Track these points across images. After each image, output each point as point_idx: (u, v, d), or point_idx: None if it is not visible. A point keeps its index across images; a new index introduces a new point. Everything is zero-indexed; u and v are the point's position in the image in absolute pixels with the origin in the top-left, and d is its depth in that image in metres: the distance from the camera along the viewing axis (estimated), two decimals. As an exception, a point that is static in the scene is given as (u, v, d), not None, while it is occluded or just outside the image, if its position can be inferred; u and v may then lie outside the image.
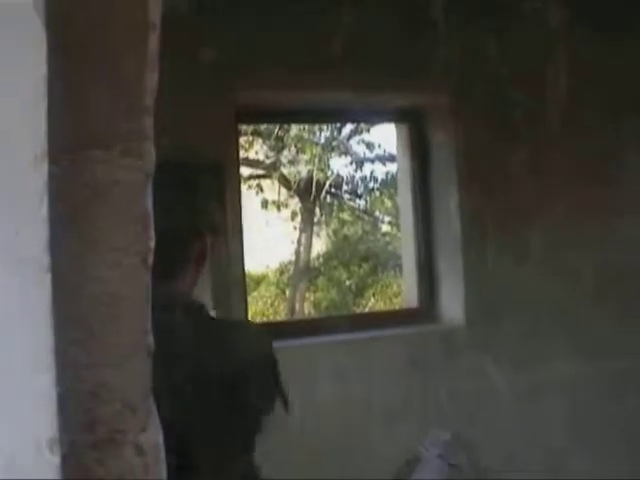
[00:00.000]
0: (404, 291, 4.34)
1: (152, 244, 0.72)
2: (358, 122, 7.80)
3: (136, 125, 0.70)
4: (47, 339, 0.65)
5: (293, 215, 9.96)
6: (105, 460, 0.72)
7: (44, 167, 0.63)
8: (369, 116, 4.49)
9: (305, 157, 9.21)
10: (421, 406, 3.70)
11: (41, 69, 0.61)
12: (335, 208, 10.35)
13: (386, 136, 9.45)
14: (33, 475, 0.65)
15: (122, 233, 0.70)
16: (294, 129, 9.00)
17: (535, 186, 3.86)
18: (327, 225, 10.50)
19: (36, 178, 0.63)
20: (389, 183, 9.80)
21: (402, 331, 3.86)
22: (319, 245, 10.66)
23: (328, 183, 9.38)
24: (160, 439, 0.73)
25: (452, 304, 3.87)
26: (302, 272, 9.94)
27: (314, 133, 9.23)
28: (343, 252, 10.25)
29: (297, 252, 10.02)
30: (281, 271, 10.57)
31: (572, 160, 3.91)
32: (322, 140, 9.33)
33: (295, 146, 9.23)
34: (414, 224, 4.01)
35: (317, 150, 9.11)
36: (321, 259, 10.44)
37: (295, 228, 10.09)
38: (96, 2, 0.67)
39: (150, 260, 0.73)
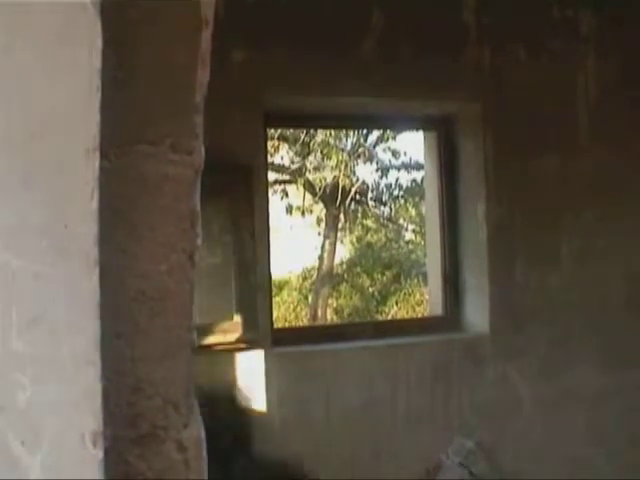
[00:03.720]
0: (429, 299, 4.33)
1: (199, 241, 0.72)
2: (387, 129, 7.78)
3: (186, 121, 0.70)
4: (94, 332, 0.65)
5: (318, 221, 9.96)
6: (146, 455, 0.72)
7: (95, 161, 0.63)
8: (398, 123, 4.48)
9: (331, 163, 9.21)
10: (444, 414, 3.67)
11: (95, 63, 0.62)
12: (359, 215, 10.34)
13: (412, 144, 9.44)
14: (75, 468, 0.66)
15: (170, 229, 0.70)
16: (320, 135, 9.00)
17: (563, 195, 3.83)
18: (351, 232, 10.48)
19: (87, 172, 0.63)
20: (414, 191, 9.77)
21: (427, 339, 3.83)
22: (342, 252, 10.65)
23: (354, 190, 9.37)
24: (202, 435, 0.73)
25: (477, 312, 3.85)
26: (325, 278, 9.93)
27: (340, 139, 9.23)
28: (366, 259, 10.23)
29: (320, 258, 10.01)
30: (304, 277, 10.56)
31: (600, 169, 3.88)
32: (348, 146, 9.33)
33: (321, 152, 9.23)
34: (440, 232, 3.99)
35: (343, 156, 9.11)
36: (344, 266, 10.43)
37: (319, 234, 10.09)
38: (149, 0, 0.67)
39: (197, 257, 0.72)
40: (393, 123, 4.54)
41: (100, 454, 0.65)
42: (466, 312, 3.93)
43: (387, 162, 9.79)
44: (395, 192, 9.99)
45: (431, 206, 4.11)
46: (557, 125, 3.82)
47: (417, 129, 4.43)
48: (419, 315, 8.69)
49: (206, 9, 0.68)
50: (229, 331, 3.26)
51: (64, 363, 0.65)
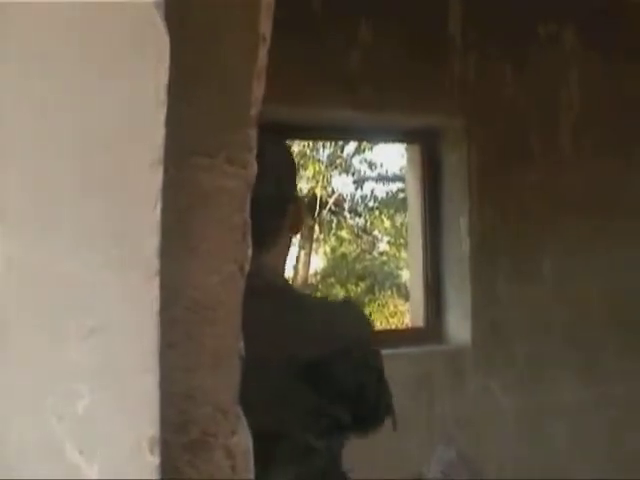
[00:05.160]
0: (410, 310, 4.35)
1: (250, 252, 0.74)
2: (369, 141, 7.81)
3: (241, 135, 0.71)
4: (153, 341, 0.66)
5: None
6: (196, 462, 0.73)
7: (159, 174, 0.64)
8: (380, 135, 4.51)
9: (307, 174, 9.24)
10: (426, 425, 3.70)
11: (162, 78, 0.63)
12: (334, 226, 10.38)
13: (388, 155, 9.49)
14: (133, 475, 0.66)
15: (223, 240, 0.72)
16: (297, 146, 9.03)
17: (547, 210, 3.89)
18: (325, 243, 10.52)
19: (151, 184, 0.64)
20: (389, 202, 9.83)
21: (407, 350, 3.86)
22: (316, 262, 10.67)
23: (332, 201, 9.41)
24: (250, 443, 0.75)
25: (459, 325, 3.88)
26: (300, 289, 9.94)
27: (317, 150, 9.27)
28: (340, 270, 10.27)
29: (295, 269, 10.03)
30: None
31: (584, 184, 3.94)
32: (324, 158, 9.37)
33: (298, 163, 9.26)
34: (422, 244, 4.03)
35: (320, 167, 9.15)
36: (318, 276, 10.45)
37: (293, 245, 10.09)
38: (210, 13, 0.69)
39: (247, 268, 0.74)
40: (375, 135, 4.57)
41: (157, 461, 0.66)
42: (448, 324, 3.96)
43: (363, 173, 9.85)
44: (370, 203, 10.05)
45: (413, 218, 4.15)
46: (541, 139, 3.88)
47: (400, 141, 4.47)
48: (394, 326, 8.72)
49: (264, 24, 0.69)
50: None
51: (122, 372, 0.66)
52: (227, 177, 0.71)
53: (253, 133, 0.72)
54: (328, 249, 10.53)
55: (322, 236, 10.43)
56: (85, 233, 0.65)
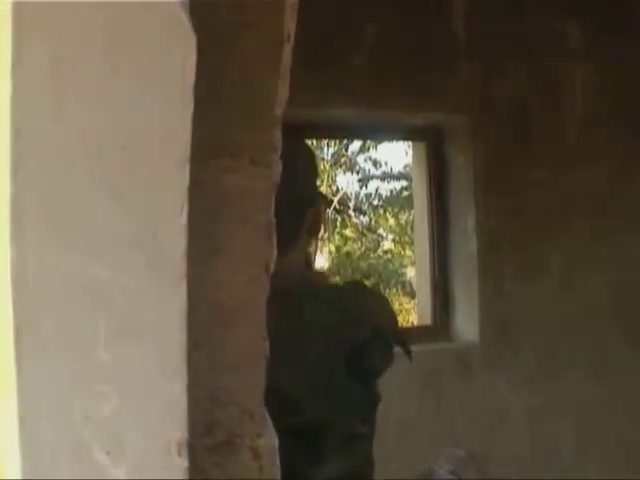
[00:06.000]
0: (417, 308, 4.35)
1: (275, 252, 0.74)
2: (375, 140, 7.80)
3: (266, 135, 0.71)
4: (180, 343, 0.66)
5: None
6: (222, 463, 0.73)
7: (186, 175, 0.64)
8: (386, 133, 4.50)
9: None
10: (434, 423, 3.70)
11: (189, 78, 0.63)
12: (339, 224, 10.36)
13: (393, 154, 9.49)
14: (161, 477, 0.66)
15: (248, 241, 0.72)
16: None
17: (552, 206, 3.88)
18: (330, 241, 10.50)
19: (178, 186, 0.64)
20: (393, 201, 9.82)
21: (415, 348, 3.84)
22: (321, 261, 10.65)
23: (336, 200, 9.40)
24: (276, 444, 0.74)
25: (466, 322, 3.88)
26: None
27: (321, 149, 9.26)
28: (345, 268, 10.25)
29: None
30: (283, 286, 10.52)
31: (589, 183, 3.94)
32: (329, 156, 9.36)
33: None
34: (429, 242, 4.03)
35: (325, 166, 9.13)
36: (323, 275, 10.43)
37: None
38: (234, 13, 0.68)
39: (272, 268, 0.74)
40: (381, 134, 4.57)
41: (185, 463, 0.66)
42: (455, 322, 3.96)
43: (367, 172, 9.84)
44: (375, 202, 10.03)
45: (419, 216, 4.14)
46: (547, 138, 3.88)
47: (405, 139, 4.47)
48: (403, 324, 8.72)
49: (289, 24, 0.69)
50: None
51: (150, 374, 0.66)
52: (251, 177, 0.71)
53: (278, 133, 0.72)
54: (333, 248, 10.51)
55: (327, 235, 10.42)
56: (112, 235, 0.65)
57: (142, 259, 0.65)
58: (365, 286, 1.82)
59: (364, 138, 7.28)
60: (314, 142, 8.68)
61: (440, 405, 3.73)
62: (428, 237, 4.04)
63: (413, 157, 4.27)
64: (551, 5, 3.83)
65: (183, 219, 0.64)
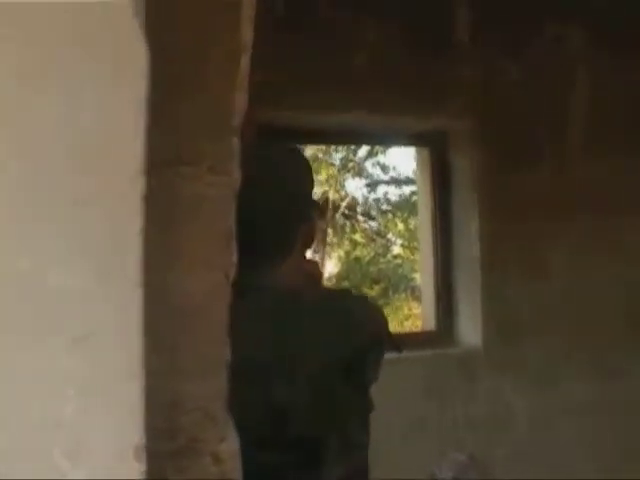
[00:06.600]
0: (422, 314, 4.35)
1: (235, 259, 0.75)
2: (378, 145, 7.81)
3: (224, 144, 0.72)
4: (138, 348, 0.67)
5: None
6: (184, 468, 0.73)
7: (141, 184, 0.65)
8: (389, 139, 4.51)
9: (320, 178, 9.24)
10: (437, 428, 3.69)
11: (141, 89, 0.64)
12: (347, 229, 10.37)
13: (401, 158, 9.50)
14: (119, 480, 0.67)
15: (207, 248, 0.73)
16: (309, 150, 9.04)
17: (556, 210, 3.88)
18: (339, 246, 10.51)
19: (133, 194, 0.65)
20: (402, 205, 9.82)
21: (419, 354, 3.85)
22: (330, 266, 10.66)
23: (344, 205, 9.41)
24: (238, 449, 0.75)
25: (470, 327, 3.88)
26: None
27: (329, 154, 9.28)
28: (354, 274, 10.25)
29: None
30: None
31: (592, 184, 3.93)
32: (337, 161, 9.37)
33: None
34: (433, 247, 4.03)
35: (333, 171, 9.15)
36: (332, 280, 10.44)
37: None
38: (190, 23, 0.70)
39: (232, 275, 0.75)
40: (385, 139, 4.58)
41: (143, 468, 0.67)
42: (459, 327, 3.96)
43: (376, 177, 9.85)
44: (383, 207, 10.03)
45: (424, 221, 4.14)
46: (549, 140, 3.87)
47: (409, 145, 4.46)
48: (408, 329, 8.71)
49: (246, 34, 0.70)
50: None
51: (108, 379, 0.67)
52: (210, 186, 0.72)
53: (236, 141, 0.73)
54: (342, 253, 10.51)
55: (335, 240, 10.42)
56: (70, 244, 0.66)
57: (99, 267, 0.66)
58: (357, 295, 1.83)
59: (367, 144, 7.30)
60: (322, 148, 8.71)
61: (444, 410, 3.73)
62: (432, 242, 4.04)
63: (417, 162, 4.28)
64: (552, 9, 3.83)
65: (138, 226, 0.65)
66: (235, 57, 0.71)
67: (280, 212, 1.46)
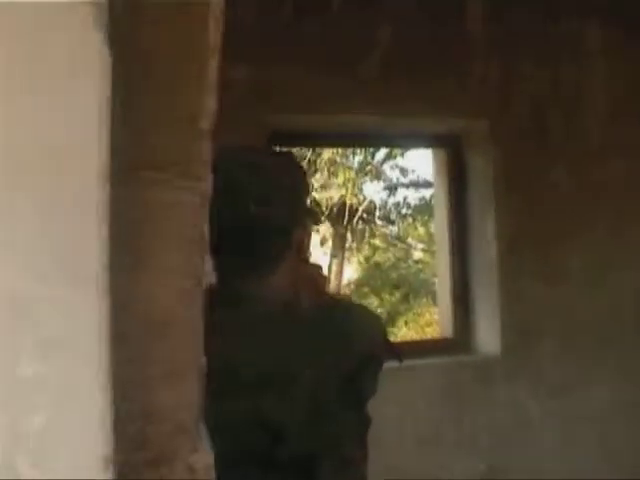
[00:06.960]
0: (439, 320, 4.32)
1: (207, 266, 0.73)
2: (395, 147, 7.79)
3: (194, 148, 0.71)
4: (105, 357, 0.66)
5: (323, 241, 9.95)
6: (155, 479, 0.72)
7: (106, 188, 0.64)
8: (406, 141, 4.49)
9: (338, 181, 9.21)
10: (455, 436, 3.66)
11: (105, 91, 0.63)
12: (367, 234, 10.33)
13: (420, 161, 9.46)
14: (87, 494, 0.66)
15: (178, 254, 0.71)
16: (326, 153, 9.01)
17: (574, 211, 3.84)
18: (358, 251, 10.47)
19: (98, 199, 0.64)
20: (422, 209, 9.77)
21: (437, 361, 3.82)
22: (350, 272, 10.63)
23: (361, 209, 9.37)
24: (211, 460, 0.74)
25: (487, 333, 3.84)
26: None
27: (347, 157, 9.24)
28: (375, 279, 10.20)
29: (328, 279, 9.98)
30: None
31: (611, 183, 3.88)
32: (355, 164, 9.34)
33: (327, 170, 9.22)
34: (450, 251, 4.00)
35: (350, 174, 9.11)
36: (352, 286, 10.40)
37: (325, 254, 10.07)
38: (157, 25, 0.68)
39: (204, 282, 0.73)
40: (401, 141, 4.56)
41: (112, 478, 0.66)
42: (476, 333, 3.92)
43: (395, 180, 9.80)
44: (403, 210, 9.98)
45: (441, 225, 4.12)
46: (566, 139, 3.83)
47: (426, 147, 4.45)
48: (429, 336, 8.65)
49: (214, 35, 0.69)
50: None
51: (75, 388, 0.66)
52: (180, 191, 0.71)
53: (206, 145, 0.71)
54: (362, 258, 10.46)
55: (354, 244, 10.37)
56: (34, 250, 0.65)
57: (64, 273, 0.65)
58: (353, 305, 1.79)
59: (383, 146, 7.26)
60: (339, 150, 8.68)
61: (462, 417, 3.69)
62: (449, 245, 4.01)
63: (434, 164, 4.25)
64: (570, 5, 3.78)
65: (104, 233, 0.64)
66: (203, 59, 0.69)
67: (271, 215, 1.44)
